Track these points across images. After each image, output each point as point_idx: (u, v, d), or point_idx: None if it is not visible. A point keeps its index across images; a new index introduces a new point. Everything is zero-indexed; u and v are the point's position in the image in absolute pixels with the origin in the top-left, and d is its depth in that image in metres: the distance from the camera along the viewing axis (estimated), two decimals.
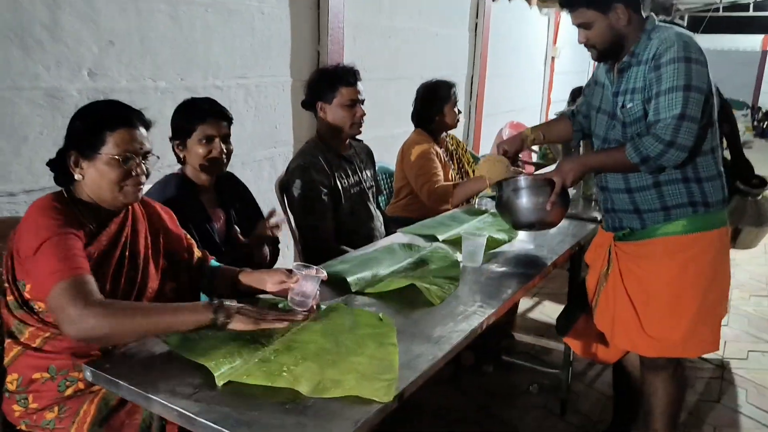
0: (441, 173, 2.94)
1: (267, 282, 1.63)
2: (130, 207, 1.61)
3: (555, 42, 7.22)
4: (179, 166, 2.05)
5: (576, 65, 7.96)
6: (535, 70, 7.04)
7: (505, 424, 2.57)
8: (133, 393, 1.22)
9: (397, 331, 1.48)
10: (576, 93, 4.97)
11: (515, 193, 2.06)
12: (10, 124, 2.02)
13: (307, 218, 2.39)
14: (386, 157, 3.40)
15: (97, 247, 1.49)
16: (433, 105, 3.01)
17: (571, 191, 2.31)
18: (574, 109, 2.30)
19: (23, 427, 1.49)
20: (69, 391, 1.46)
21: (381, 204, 2.90)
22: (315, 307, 1.57)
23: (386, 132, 4.09)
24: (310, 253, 2.46)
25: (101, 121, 1.49)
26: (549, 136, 2.36)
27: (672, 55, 1.74)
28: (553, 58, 7.26)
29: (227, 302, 1.38)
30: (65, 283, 1.31)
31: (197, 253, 1.77)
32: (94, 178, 1.49)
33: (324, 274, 1.56)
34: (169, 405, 1.16)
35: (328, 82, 2.45)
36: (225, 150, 1.98)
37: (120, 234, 1.56)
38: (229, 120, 2.01)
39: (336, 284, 1.79)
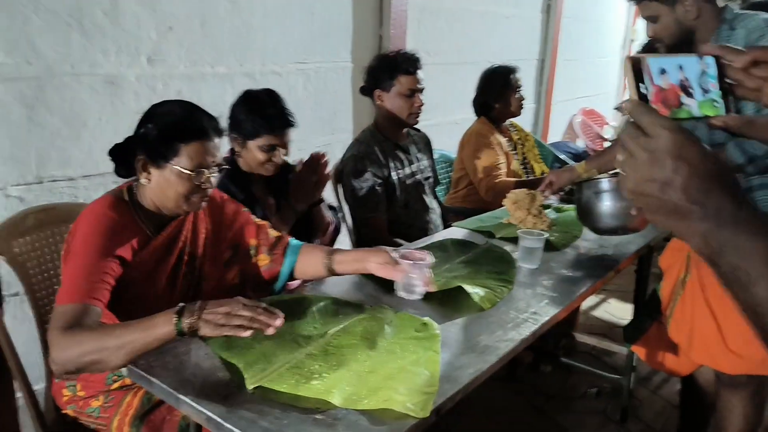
0: (503, 167, 2.82)
1: (370, 261, 1.54)
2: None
3: (634, 23, 6.84)
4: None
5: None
6: (611, 54, 6.70)
7: (561, 428, 2.46)
8: (164, 392, 1.20)
9: (441, 338, 1.40)
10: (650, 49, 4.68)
11: (597, 196, 1.95)
12: (70, 110, 2.05)
13: (360, 210, 2.34)
14: (449, 145, 3.29)
15: (152, 251, 1.47)
16: (494, 92, 2.90)
17: None
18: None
19: (70, 412, 1.51)
20: (116, 385, 1.48)
21: (439, 194, 2.81)
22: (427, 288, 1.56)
23: (449, 119, 3.99)
24: (364, 245, 2.41)
25: (176, 131, 1.43)
26: (605, 168, 2.22)
27: None
28: (632, 41, 6.89)
29: (189, 306, 1.22)
30: (70, 307, 1.27)
31: (272, 234, 1.70)
32: (161, 185, 1.44)
33: (431, 258, 1.53)
34: (197, 407, 1.13)
35: (387, 70, 2.38)
36: (284, 156, 1.96)
37: (177, 238, 1.53)
38: (294, 127, 1.96)
39: (380, 282, 1.72)
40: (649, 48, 4.76)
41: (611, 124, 6.14)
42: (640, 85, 0.83)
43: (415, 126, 2.56)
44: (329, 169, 2.03)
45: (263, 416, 1.10)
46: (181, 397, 1.16)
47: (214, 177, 1.49)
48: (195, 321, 1.19)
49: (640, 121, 0.65)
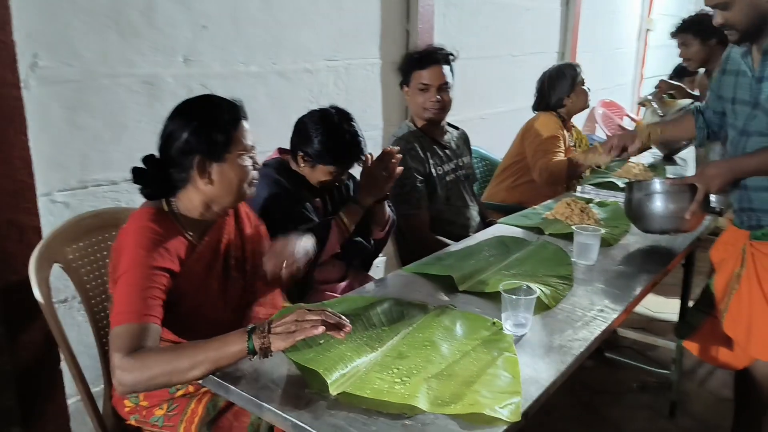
0: (561, 155, 2.80)
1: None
2: (229, 213, 1.57)
3: (650, 13, 6.77)
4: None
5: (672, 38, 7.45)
6: (627, 45, 6.63)
7: (611, 424, 2.43)
8: (244, 399, 1.17)
9: (514, 339, 1.37)
10: (680, 69, 4.64)
11: (648, 197, 1.89)
12: (110, 112, 2.01)
13: (401, 207, 2.30)
14: (476, 140, 3.25)
15: (198, 258, 1.44)
16: (565, 87, 2.94)
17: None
18: (701, 106, 2.10)
19: (132, 422, 1.49)
20: (179, 393, 1.45)
21: (475, 191, 2.78)
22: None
23: (474, 114, 3.94)
24: (406, 243, 2.38)
25: (228, 120, 1.42)
26: (667, 132, 2.17)
27: None
28: (647, 31, 6.82)
29: (260, 326, 1.18)
30: (127, 327, 1.23)
31: None
32: (225, 179, 1.42)
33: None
34: (283, 414, 1.10)
35: (406, 66, 2.39)
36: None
37: (220, 241, 1.52)
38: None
39: (439, 281, 1.69)
40: (679, 72, 4.71)
41: (631, 115, 6.09)
42: None
43: (450, 122, 2.52)
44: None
45: (351, 423, 1.07)
46: (264, 404, 1.13)
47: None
48: (265, 339, 1.14)
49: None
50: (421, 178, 2.31)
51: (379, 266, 3.35)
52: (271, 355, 1.17)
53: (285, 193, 1.87)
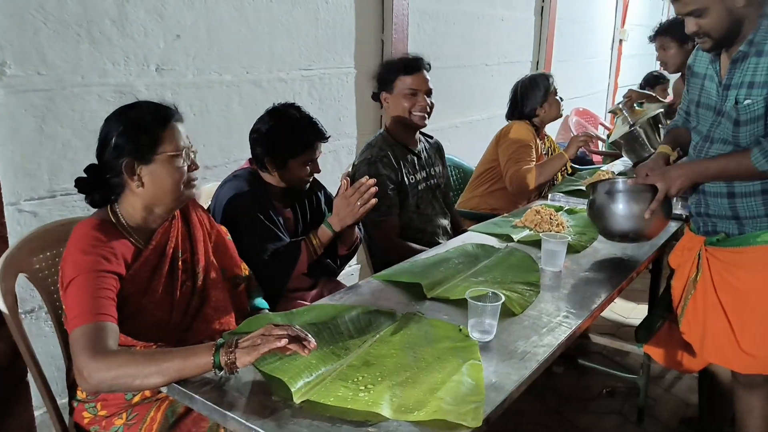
0: (532, 163, 2.84)
1: None
2: (176, 214, 1.57)
3: (623, 24, 6.89)
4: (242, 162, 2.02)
5: (645, 48, 7.53)
6: (602, 54, 6.74)
7: (579, 430, 2.46)
8: (207, 407, 1.17)
9: (479, 345, 1.39)
10: (654, 79, 4.73)
11: (610, 196, 1.87)
12: (80, 121, 2.01)
13: (372, 213, 2.30)
14: (450, 149, 3.28)
15: (144, 262, 1.45)
16: (538, 97, 2.98)
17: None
18: (681, 117, 2.07)
19: None
20: (136, 399, 1.45)
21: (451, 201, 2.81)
22: None
23: (448, 122, 3.98)
24: (375, 249, 2.39)
25: (152, 122, 1.44)
26: (683, 147, 2.06)
27: None
28: (621, 41, 6.94)
29: (227, 341, 1.20)
30: (84, 328, 1.24)
31: (245, 271, 1.74)
32: (156, 180, 1.43)
33: None
34: (246, 423, 1.11)
35: (388, 72, 2.40)
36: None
37: (167, 244, 1.52)
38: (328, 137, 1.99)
39: (408, 288, 1.71)
40: (650, 81, 4.78)
41: (605, 124, 6.18)
42: None
43: (425, 132, 2.55)
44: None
45: (314, 430, 1.09)
46: (228, 413, 1.13)
47: (194, 157, 1.51)
48: (232, 354, 1.16)
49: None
50: (392, 186, 2.33)
51: (353, 274, 3.37)
52: (236, 372, 1.19)
53: (251, 197, 1.88)
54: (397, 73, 2.36)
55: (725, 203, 1.76)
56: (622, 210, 1.85)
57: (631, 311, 3.57)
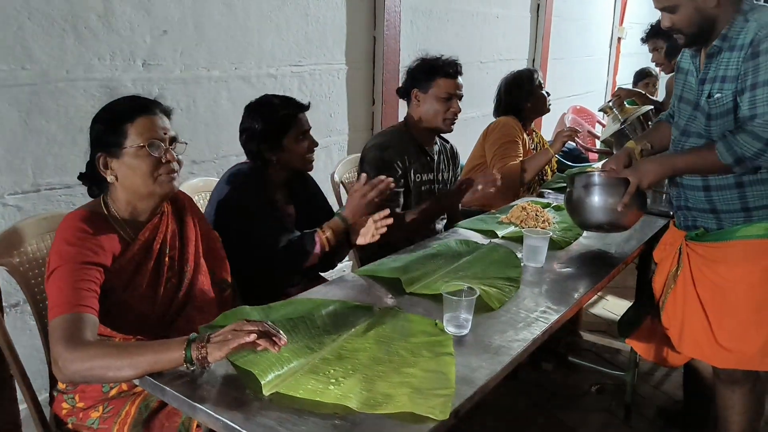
0: (518, 159, 2.84)
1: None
2: (166, 212, 1.57)
3: (622, 22, 6.88)
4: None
5: (644, 46, 7.57)
6: (599, 52, 6.73)
7: (567, 427, 2.46)
8: (178, 400, 1.18)
9: (453, 339, 1.39)
10: (640, 75, 4.72)
11: (585, 190, 1.92)
12: (65, 115, 2.02)
13: None
14: None
15: (130, 257, 1.46)
16: (524, 92, 2.99)
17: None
18: (670, 111, 2.07)
19: (70, 426, 1.49)
20: (113, 392, 1.46)
21: None
22: None
23: None
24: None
25: (119, 116, 1.45)
26: (657, 142, 2.07)
27: None
28: (619, 39, 6.92)
29: (200, 336, 1.21)
30: (62, 318, 1.25)
31: (228, 278, 1.73)
32: (127, 174, 1.44)
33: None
34: (215, 415, 1.11)
35: (427, 71, 2.37)
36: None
37: (154, 240, 1.52)
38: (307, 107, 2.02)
39: (389, 283, 1.71)
40: (642, 75, 4.76)
41: (603, 122, 6.17)
42: None
43: (444, 136, 2.55)
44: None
45: (281, 423, 1.09)
46: (198, 405, 1.14)
47: (173, 151, 1.49)
48: (203, 349, 1.17)
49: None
50: (400, 172, 2.31)
51: (345, 270, 3.37)
52: (208, 367, 1.20)
53: (257, 188, 1.90)
54: (436, 74, 2.34)
55: (701, 196, 1.78)
56: (596, 202, 1.90)
57: (623, 308, 3.54)
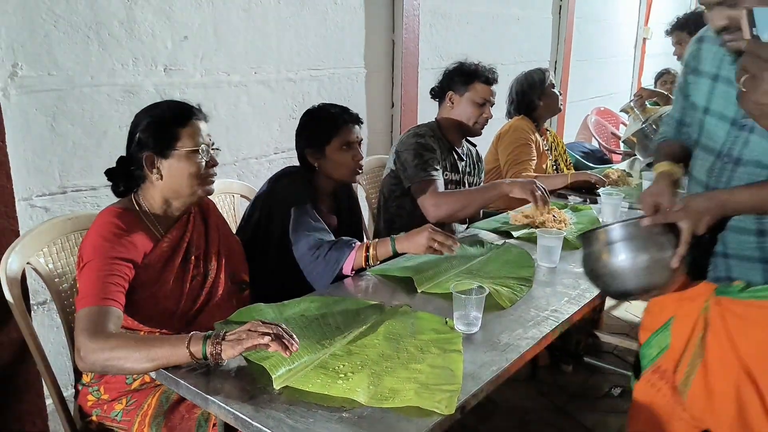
0: (533, 164, 2.84)
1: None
2: (194, 213, 1.65)
3: (647, 22, 6.81)
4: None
5: (670, 47, 7.47)
6: (624, 53, 6.67)
7: (584, 428, 2.45)
8: (191, 392, 1.22)
9: (463, 336, 1.41)
10: (659, 74, 4.67)
11: (612, 249, 1.38)
12: (90, 120, 2.08)
13: (420, 174, 2.23)
14: None
15: (159, 253, 1.53)
16: (536, 91, 2.99)
17: None
18: (676, 127, 1.63)
19: (95, 417, 1.54)
20: (135, 384, 1.51)
21: None
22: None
23: None
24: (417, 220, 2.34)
25: (172, 119, 1.53)
26: (684, 163, 1.59)
27: None
28: (644, 40, 6.85)
29: (215, 333, 1.25)
30: (89, 309, 1.33)
31: (246, 278, 1.79)
32: (173, 174, 1.52)
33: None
34: (226, 407, 1.15)
35: (465, 75, 2.41)
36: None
37: (182, 238, 1.59)
38: (361, 122, 2.07)
39: (401, 282, 1.74)
40: (660, 74, 4.67)
41: (626, 123, 6.12)
42: (753, 29, 1.13)
43: (471, 140, 2.58)
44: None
45: (290, 415, 1.12)
46: (210, 397, 1.17)
47: (214, 155, 1.59)
48: (218, 346, 1.22)
49: (760, 52, 1.10)
50: (437, 157, 2.31)
51: None
52: (222, 363, 1.25)
53: (303, 190, 1.94)
54: (475, 78, 2.39)
55: (752, 242, 1.39)
56: (631, 264, 1.37)
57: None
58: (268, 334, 1.21)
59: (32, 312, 1.95)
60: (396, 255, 1.82)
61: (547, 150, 3.07)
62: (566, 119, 5.37)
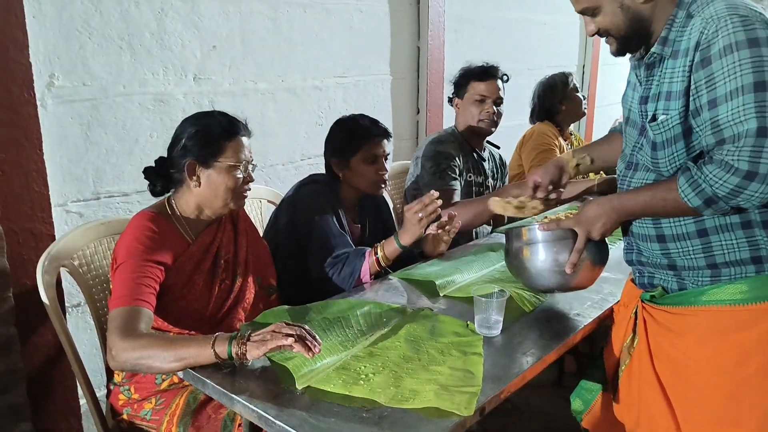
0: None
1: None
2: (224, 218, 1.69)
3: None
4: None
5: None
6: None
7: None
8: (217, 392, 1.25)
9: (484, 340, 1.42)
10: None
11: (524, 249, 1.54)
12: (122, 128, 2.15)
13: (437, 183, 2.28)
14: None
15: (189, 256, 1.58)
16: (559, 95, 2.98)
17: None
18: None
19: (125, 416, 1.59)
20: (165, 384, 1.55)
21: None
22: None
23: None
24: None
25: (221, 131, 1.58)
26: (601, 158, 1.72)
27: (727, 39, 1.18)
28: None
29: (241, 333, 1.29)
30: (121, 310, 1.37)
31: (274, 283, 1.82)
32: (212, 185, 1.57)
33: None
34: (250, 406, 1.18)
35: (462, 78, 2.46)
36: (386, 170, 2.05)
37: (212, 243, 1.64)
38: (390, 136, 2.07)
39: (423, 287, 1.76)
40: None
41: None
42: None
43: (492, 141, 2.60)
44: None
45: (312, 414, 1.14)
46: (235, 396, 1.21)
47: (251, 171, 1.63)
48: (243, 346, 1.26)
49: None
50: (456, 162, 2.34)
51: None
52: (247, 363, 1.29)
53: (326, 199, 1.96)
54: (470, 78, 2.42)
55: (656, 248, 1.39)
56: (541, 264, 1.51)
57: None
58: (291, 335, 1.25)
59: (67, 314, 2.02)
60: (406, 250, 1.85)
61: None
62: (595, 124, 5.33)
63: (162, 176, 1.62)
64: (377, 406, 1.16)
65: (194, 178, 1.56)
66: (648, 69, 1.35)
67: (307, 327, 1.30)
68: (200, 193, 1.58)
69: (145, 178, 1.65)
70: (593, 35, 1.39)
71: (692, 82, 1.24)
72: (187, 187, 1.59)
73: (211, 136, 1.56)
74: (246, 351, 1.25)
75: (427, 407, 1.15)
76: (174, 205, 1.62)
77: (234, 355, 1.26)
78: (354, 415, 1.14)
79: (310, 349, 1.24)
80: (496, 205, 1.73)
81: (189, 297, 1.57)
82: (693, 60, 1.23)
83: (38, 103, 1.89)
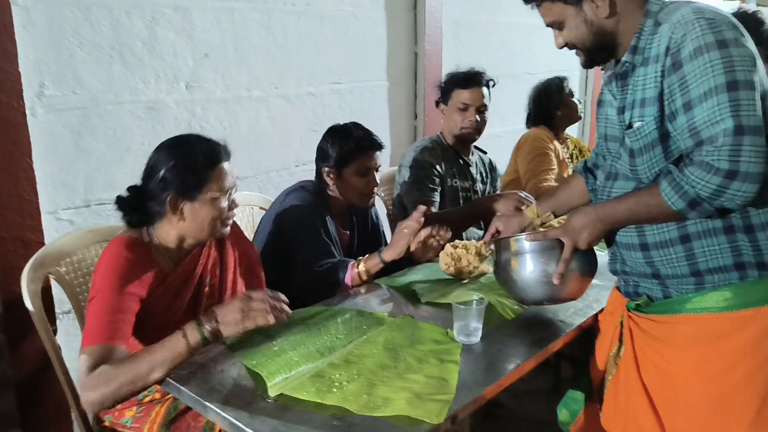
0: (554, 173, 2.83)
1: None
2: (210, 243, 1.65)
3: None
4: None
5: None
6: None
7: None
8: (192, 399, 1.26)
9: (463, 347, 1.41)
10: None
11: (512, 259, 1.52)
12: (113, 136, 2.16)
13: (414, 194, 2.30)
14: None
15: (167, 287, 1.53)
16: (554, 100, 2.98)
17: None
18: (588, 161, 1.70)
19: (107, 423, 1.59)
20: (146, 399, 1.56)
21: None
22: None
23: (489, 132, 3.95)
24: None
25: (202, 161, 1.49)
26: (564, 206, 1.75)
27: (696, 42, 1.20)
28: None
29: (205, 315, 1.32)
30: (93, 348, 1.32)
31: None
32: (196, 217, 1.50)
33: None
34: (222, 414, 1.18)
35: (447, 83, 2.46)
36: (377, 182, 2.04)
37: (194, 271, 1.59)
38: (383, 148, 2.07)
39: (406, 293, 1.75)
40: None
41: None
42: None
43: (479, 146, 2.59)
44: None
45: (283, 422, 1.15)
46: (208, 404, 1.21)
47: (235, 197, 1.60)
48: (215, 325, 1.29)
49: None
50: (437, 172, 2.35)
51: None
52: (224, 340, 1.35)
53: (314, 209, 1.95)
54: (453, 85, 2.42)
55: (639, 257, 1.39)
56: (528, 276, 1.49)
57: None
58: (263, 311, 1.32)
59: (58, 320, 2.03)
60: (387, 264, 1.84)
61: (569, 158, 3.04)
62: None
63: (138, 208, 1.53)
64: (349, 414, 1.16)
65: (177, 212, 1.49)
66: (621, 79, 1.37)
67: (270, 292, 1.36)
68: (183, 227, 1.52)
69: (118, 209, 1.55)
70: (562, 48, 1.43)
71: (665, 87, 1.26)
72: (167, 220, 1.51)
73: (192, 167, 1.47)
74: (218, 326, 1.31)
75: (398, 415, 1.15)
76: (153, 235, 1.54)
77: (207, 336, 1.30)
78: (325, 424, 1.14)
79: (284, 311, 1.35)
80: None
81: (170, 325, 1.50)
82: (664, 65, 1.26)
83: (28, 111, 1.90)
